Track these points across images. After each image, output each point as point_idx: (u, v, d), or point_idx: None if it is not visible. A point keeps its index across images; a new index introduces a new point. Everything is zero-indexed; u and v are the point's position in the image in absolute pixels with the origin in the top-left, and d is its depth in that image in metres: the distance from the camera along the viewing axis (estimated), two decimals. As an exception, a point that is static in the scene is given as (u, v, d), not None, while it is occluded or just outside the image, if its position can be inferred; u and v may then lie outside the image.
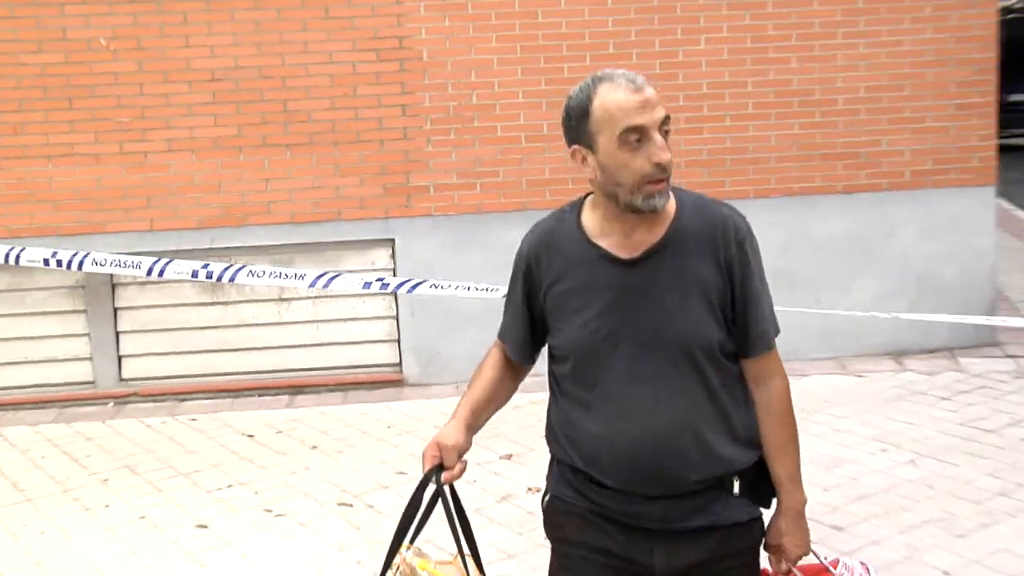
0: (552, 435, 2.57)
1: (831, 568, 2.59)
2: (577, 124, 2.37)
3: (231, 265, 6.11)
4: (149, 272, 5.91)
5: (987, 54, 7.67)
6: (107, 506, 5.46)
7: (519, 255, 2.57)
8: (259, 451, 6.21)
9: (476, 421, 2.57)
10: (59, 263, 5.84)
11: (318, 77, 7.15)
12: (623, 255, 2.42)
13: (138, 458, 6.15)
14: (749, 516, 2.47)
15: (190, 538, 5.06)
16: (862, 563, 2.67)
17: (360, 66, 7.17)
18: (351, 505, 5.37)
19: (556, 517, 2.57)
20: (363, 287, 6.15)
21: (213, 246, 7.10)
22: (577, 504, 2.49)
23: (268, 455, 6.13)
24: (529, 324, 2.59)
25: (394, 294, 7.33)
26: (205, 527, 5.17)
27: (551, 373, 2.57)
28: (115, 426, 6.78)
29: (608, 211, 2.43)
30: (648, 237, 2.42)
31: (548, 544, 4.83)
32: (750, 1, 7.38)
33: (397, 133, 7.23)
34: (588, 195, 2.54)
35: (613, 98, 2.28)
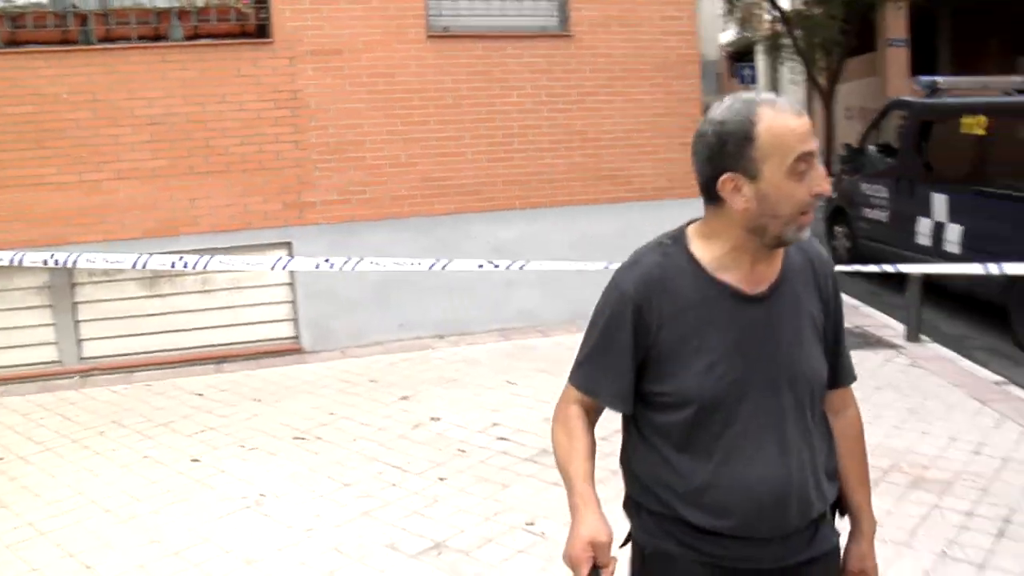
0: (640, 485, 2.00)
1: None
2: (736, 150, 1.78)
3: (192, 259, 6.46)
4: (134, 265, 6.13)
5: (694, 111, 8.74)
6: (114, 450, 5.61)
7: (622, 296, 1.91)
8: (214, 405, 6.42)
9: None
10: (56, 262, 6.01)
11: (231, 121, 7.37)
12: (748, 290, 1.89)
13: (119, 415, 6.27)
14: (836, 542, 2.03)
15: (190, 469, 5.28)
16: None
17: (263, 112, 7.44)
18: (304, 439, 5.71)
19: (661, 573, 1.97)
20: (315, 267, 6.57)
21: (153, 252, 7.21)
22: (683, 556, 1.93)
23: (223, 407, 6.37)
24: (634, 371, 1.92)
25: (291, 285, 7.76)
26: (198, 460, 5.40)
27: (643, 421, 1.97)
28: (88, 393, 6.83)
29: (739, 244, 1.86)
30: (770, 271, 1.91)
31: (463, 454, 5.56)
32: (544, 69, 8.13)
33: (291, 163, 7.55)
34: (687, 225, 1.98)
35: (783, 123, 1.76)
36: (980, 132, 8.40)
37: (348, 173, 7.75)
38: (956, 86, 10.14)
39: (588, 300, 8.31)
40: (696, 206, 7.92)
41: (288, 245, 7.66)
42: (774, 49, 26.99)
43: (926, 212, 9.08)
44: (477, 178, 8.10)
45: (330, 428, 5.94)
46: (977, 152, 8.50)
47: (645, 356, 1.92)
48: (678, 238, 1.96)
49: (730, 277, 1.89)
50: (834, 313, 2.02)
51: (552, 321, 8.32)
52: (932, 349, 7.37)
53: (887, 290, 9.63)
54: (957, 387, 6.37)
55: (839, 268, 7.99)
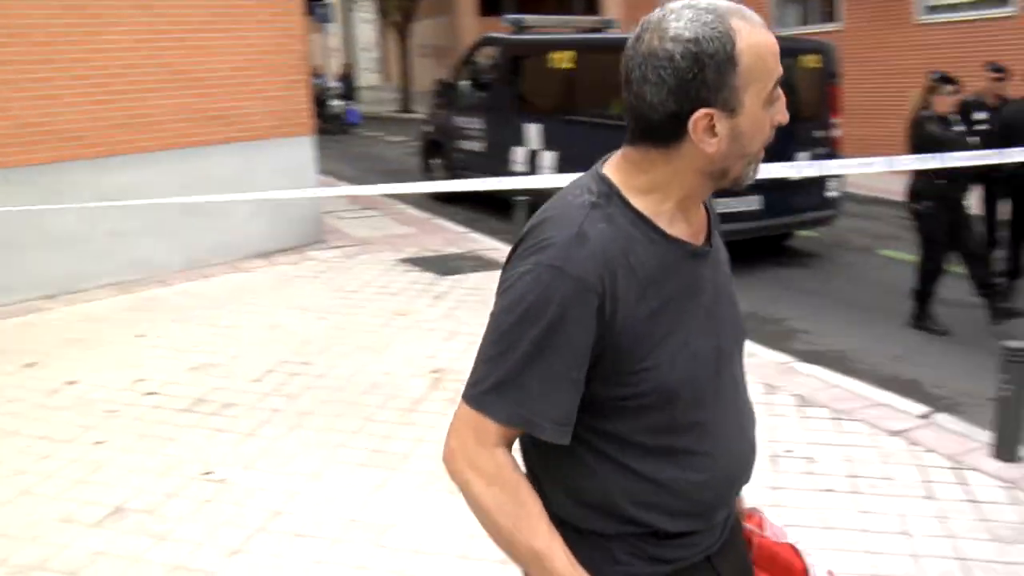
0: (589, 509, 1.54)
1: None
2: (716, 77, 1.36)
3: None
4: None
5: (302, 47, 8.83)
6: None
7: (577, 286, 1.38)
8: None
9: None
10: None
11: None
12: (698, 245, 1.53)
13: None
14: None
15: None
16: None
17: None
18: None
19: None
20: None
21: None
22: (660, 572, 1.57)
23: None
24: (581, 386, 1.45)
25: None
26: None
27: (591, 432, 1.50)
28: None
29: (690, 193, 1.48)
30: (702, 216, 1.57)
31: (114, 414, 5.22)
32: (145, 4, 7.69)
33: None
34: (602, 169, 1.53)
35: (762, 39, 1.38)
36: (568, 66, 9.28)
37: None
38: (541, 24, 11.04)
39: (203, 246, 8.13)
40: (304, 144, 7.99)
41: None
42: (348, -14, 27.24)
43: (520, 141, 9.88)
44: (79, 123, 7.50)
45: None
46: (565, 85, 9.39)
47: (599, 357, 1.44)
48: (610, 195, 1.47)
49: (680, 232, 1.50)
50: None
51: (168, 269, 8.02)
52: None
53: (487, 216, 10.41)
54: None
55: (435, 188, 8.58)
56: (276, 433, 4.88)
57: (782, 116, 1.44)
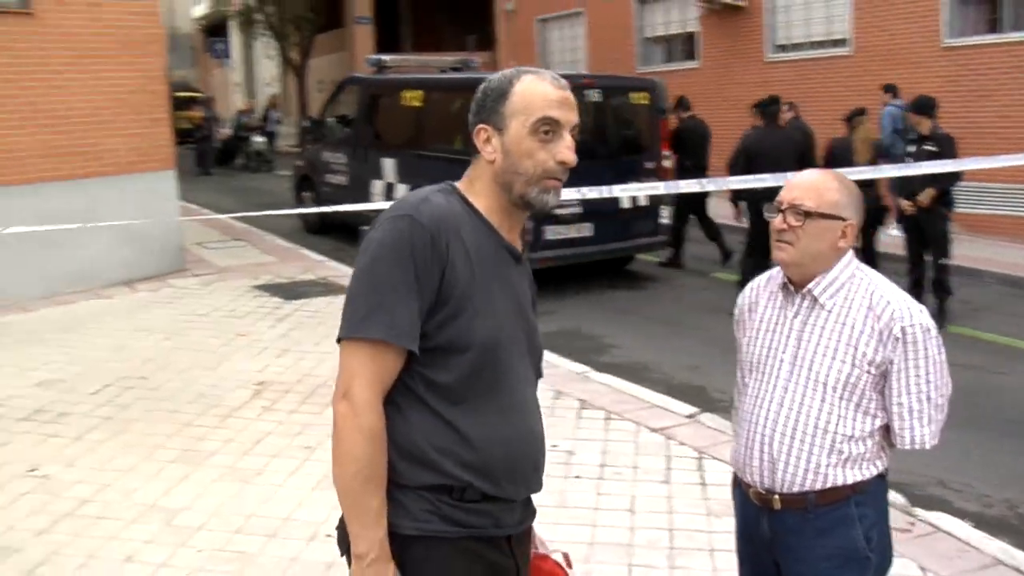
0: (412, 458, 1.86)
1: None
2: (492, 104, 1.90)
3: None
4: None
5: (161, 87, 9.40)
6: None
7: (417, 228, 1.81)
8: None
9: None
10: None
11: None
12: (516, 250, 1.99)
13: None
14: None
15: None
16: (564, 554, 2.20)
17: None
18: None
19: (437, 559, 1.88)
20: None
21: None
22: (452, 534, 1.88)
23: None
24: (421, 309, 1.82)
25: None
26: None
27: (416, 379, 1.86)
28: None
29: (497, 203, 1.93)
30: (517, 241, 2.01)
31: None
32: (5, 46, 8.16)
33: None
34: (456, 183, 1.98)
35: (537, 88, 1.89)
36: (417, 104, 10.01)
37: None
38: (402, 64, 11.76)
39: (64, 276, 8.63)
40: (166, 178, 8.66)
41: None
42: (247, 24, 27.68)
43: (378, 175, 10.57)
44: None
45: None
46: (416, 122, 10.11)
47: (432, 299, 1.84)
48: (451, 189, 1.96)
49: (505, 236, 1.97)
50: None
51: (27, 298, 8.46)
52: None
53: (350, 245, 11.08)
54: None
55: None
56: (102, 437, 5.39)
57: (562, 155, 1.89)
